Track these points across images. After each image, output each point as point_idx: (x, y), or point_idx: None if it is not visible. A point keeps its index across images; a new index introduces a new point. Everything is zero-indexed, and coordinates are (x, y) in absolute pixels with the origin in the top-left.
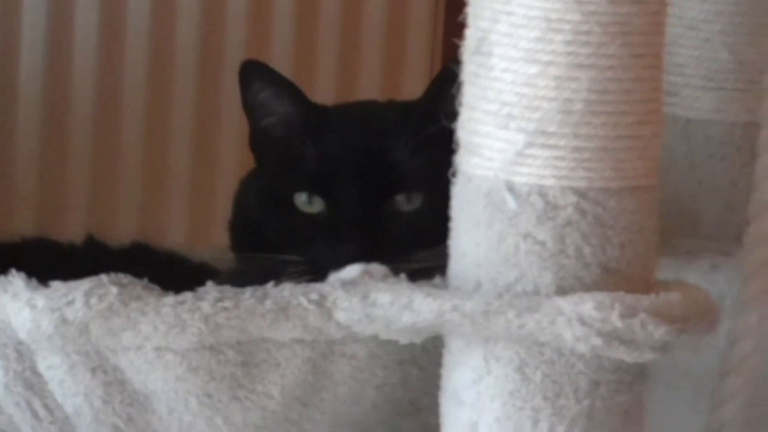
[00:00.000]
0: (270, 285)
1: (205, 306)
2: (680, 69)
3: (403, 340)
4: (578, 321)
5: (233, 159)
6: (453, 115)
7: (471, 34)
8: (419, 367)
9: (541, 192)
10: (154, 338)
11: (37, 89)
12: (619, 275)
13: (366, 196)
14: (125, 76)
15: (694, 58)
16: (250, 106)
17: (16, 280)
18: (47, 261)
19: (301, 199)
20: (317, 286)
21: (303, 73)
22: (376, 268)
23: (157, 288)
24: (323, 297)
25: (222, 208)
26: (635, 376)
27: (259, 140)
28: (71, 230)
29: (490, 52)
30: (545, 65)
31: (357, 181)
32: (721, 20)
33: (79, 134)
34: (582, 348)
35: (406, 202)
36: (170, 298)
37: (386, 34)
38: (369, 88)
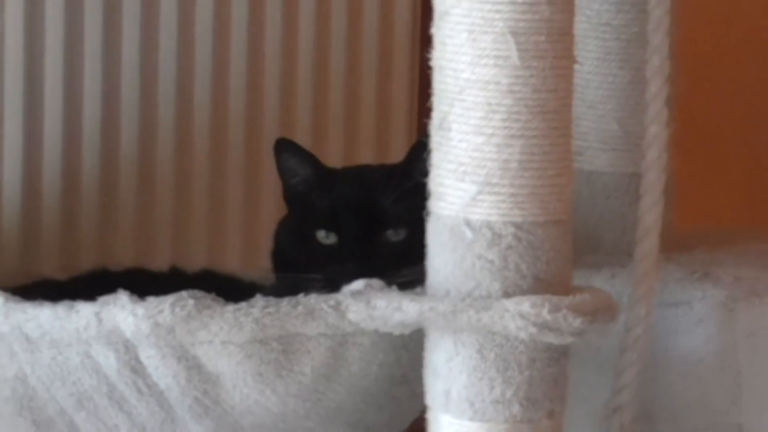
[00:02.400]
0: (301, 296)
1: (256, 311)
2: (584, 137)
3: (396, 332)
4: (519, 316)
5: (273, 207)
6: (425, 173)
7: (435, 115)
8: (408, 351)
9: (489, 226)
10: (221, 335)
11: (132, 143)
12: (546, 283)
13: (365, 231)
14: (194, 152)
15: (593, 129)
16: (281, 171)
17: (123, 296)
18: (143, 283)
19: (320, 234)
20: (334, 295)
21: (318, 145)
22: (375, 282)
23: (221, 300)
24: (338, 303)
25: (265, 243)
26: (561, 354)
27: (289, 194)
28: (159, 260)
29: (449, 128)
30: (489, 136)
31: (358, 221)
32: (612, 101)
33: (163, 190)
34: (522, 335)
35: (394, 235)
36: (231, 306)
37: (378, 117)
38: (365, 155)
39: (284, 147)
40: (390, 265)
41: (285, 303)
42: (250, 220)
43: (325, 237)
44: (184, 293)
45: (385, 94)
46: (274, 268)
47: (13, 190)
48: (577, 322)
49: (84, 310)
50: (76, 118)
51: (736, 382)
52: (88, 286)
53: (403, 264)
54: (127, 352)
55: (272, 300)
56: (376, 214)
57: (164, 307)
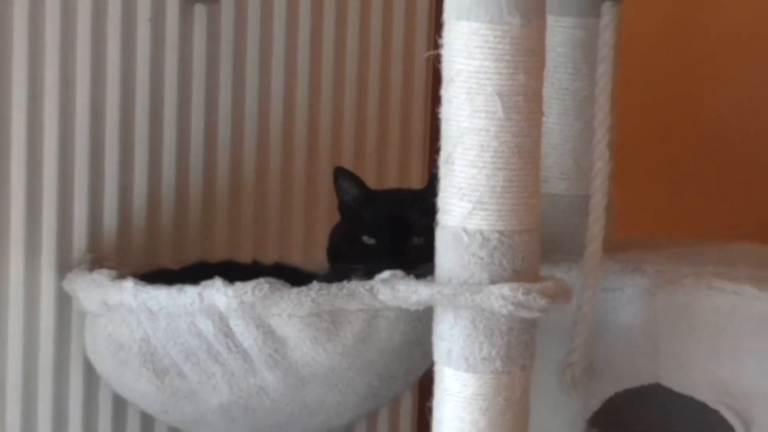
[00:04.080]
0: (345, 282)
1: (313, 293)
2: (548, 169)
3: (413, 309)
4: (501, 297)
5: (326, 218)
6: (436, 195)
7: (443, 153)
8: (422, 322)
9: (481, 233)
10: (287, 309)
11: (225, 170)
12: (522, 273)
13: (396, 237)
14: (269, 175)
15: (555, 164)
16: (337, 190)
17: (218, 281)
18: (233, 271)
19: (364, 238)
20: (369, 282)
21: (358, 172)
22: (398, 272)
23: (288, 284)
24: (372, 287)
25: (321, 244)
26: (531, 325)
27: (342, 207)
28: (244, 255)
29: (453, 162)
30: (480, 168)
31: (391, 230)
32: (569, 144)
33: (247, 204)
34: (503, 311)
35: (417, 240)
36: (295, 289)
37: (401, 154)
38: (392, 181)
39: (341, 173)
40: (413, 261)
41: (334, 287)
42: (310, 227)
43: (367, 239)
44: (261, 279)
45: (407, 138)
46: (328, 260)
47: (139, 204)
48: (543, 302)
49: (190, 291)
50: (184, 157)
51: (656, 347)
52: (193, 273)
53: (422, 261)
54: (221, 321)
55: (324, 285)
56: (405, 225)
57: (247, 289)
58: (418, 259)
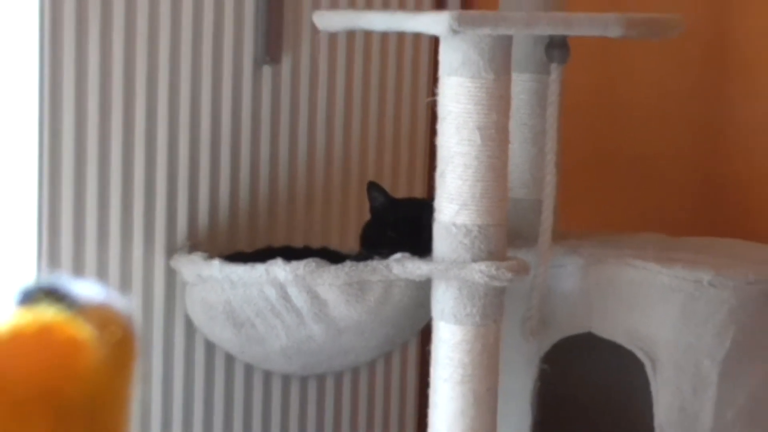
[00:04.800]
0: (369, 261)
1: (346, 268)
2: (512, 181)
3: (417, 280)
4: (479, 272)
5: (358, 215)
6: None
7: (438, 169)
8: (424, 289)
9: (465, 226)
10: (328, 280)
11: (284, 183)
12: (494, 254)
13: (413, 233)
14: (315, 187)
15: (517, 177)
16: (369, 198)
17: (279, 260)
18: (291, 253)
19: (389, 232)
20: (385, 260)
21: (382, 183)
22: (407, 254)
23: (329, 263)
24: (388, 264)
25: (352, 235)
26: (500, 291)
27: (372, 210)
28: (298, 242)
29: (445, 176)
30: (465, 181)
31: (409, 227)
32: (527, 163)
33: (300, 207)
34: (481, 281)
35: (426, 235)
36: (334, 266)
37: (408, 172)
38: (402, 191)
39: (372, 186)
40: (424, 249)
41: (361, 264)
42: (344, 223)
43: (392, 233)
44: (310, 259)
45: (413, 159)
46: (360, 245)
47: (223, 206)
48: (509, 275)
49: (259, 267)
50: (255, 174)
51: (589, 306)
52: (262, 255)
53: (429, 249)
54: (281, 289)
55: (354, 263)
56: (419, 224)
57: (300, 266)
58: (427, 248)
